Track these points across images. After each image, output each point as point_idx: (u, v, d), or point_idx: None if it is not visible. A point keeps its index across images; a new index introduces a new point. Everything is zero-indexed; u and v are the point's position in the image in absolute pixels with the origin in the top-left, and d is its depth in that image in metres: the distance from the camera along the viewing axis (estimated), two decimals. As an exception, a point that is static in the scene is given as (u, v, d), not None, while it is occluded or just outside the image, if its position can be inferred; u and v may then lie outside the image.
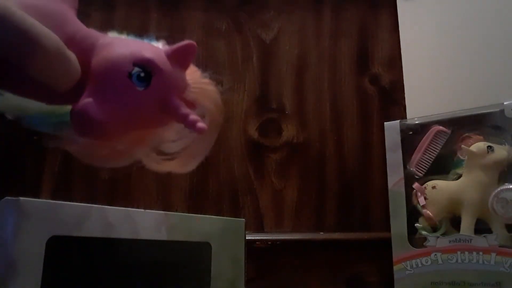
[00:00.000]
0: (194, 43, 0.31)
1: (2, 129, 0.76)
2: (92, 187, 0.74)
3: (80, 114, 0.27)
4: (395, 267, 0.61)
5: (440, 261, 0.58)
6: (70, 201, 0.33)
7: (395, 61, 0.75)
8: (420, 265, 0.59)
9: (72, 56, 0.27)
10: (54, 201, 0.32)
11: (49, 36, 0.25)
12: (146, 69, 0.28)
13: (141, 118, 0.30)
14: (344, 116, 0.74)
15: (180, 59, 0.31)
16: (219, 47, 0.78)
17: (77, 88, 0.28)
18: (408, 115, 0.71)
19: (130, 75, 0.28)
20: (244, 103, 0.76)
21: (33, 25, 0.25)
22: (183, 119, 0.29)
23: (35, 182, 0.74)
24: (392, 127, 0.67)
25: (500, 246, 0.55)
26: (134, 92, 0.28)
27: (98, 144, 0.31)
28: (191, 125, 0.29)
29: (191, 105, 0.31)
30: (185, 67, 0.31)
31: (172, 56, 0.30)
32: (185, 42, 0.31)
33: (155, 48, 0.31)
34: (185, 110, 0.30)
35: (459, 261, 0.57)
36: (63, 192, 0.73)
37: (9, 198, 0.30)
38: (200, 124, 0.29)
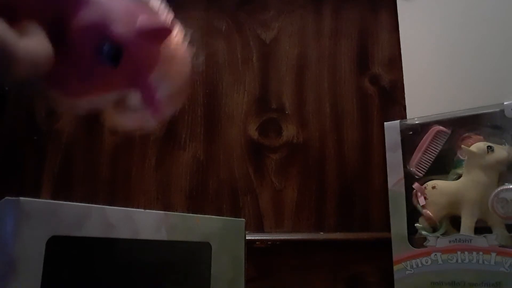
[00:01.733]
0: (170, 28, 0.32)
1: (2, 129, 0.76)
2: (92, 187, 0.74)
3: None
4: (395, 267, 0.61)
5: (440, 261, 0.58)
6: (70, 201, 0.33)
7: (395, 61, 0.75)
8: (420, 265, 0.59)
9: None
10: (54, 201, 0.32)
11: None
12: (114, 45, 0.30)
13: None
14: (344, 116, 0.74)
15: (152, 37, 0.32)
16: (219, 47, 0.78)
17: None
18: (408, 115, 0.71)
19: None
20: (244, 103, 0.76)
21: None
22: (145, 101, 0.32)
23: (35, 182, 0.74)
24: (392, 127, 0.66)
25: (500, 246, 0.55)
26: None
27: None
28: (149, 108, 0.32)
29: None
30: (158, 44, 0.33)
31: (144, 34, 0.31)
32: (159, 25, 0.32)
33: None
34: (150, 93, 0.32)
35: (459, 261, 0.57)
36: (63, 192, 0.73)
37: (9, 198, 0.30)
38: (156, 113, 0.32)
